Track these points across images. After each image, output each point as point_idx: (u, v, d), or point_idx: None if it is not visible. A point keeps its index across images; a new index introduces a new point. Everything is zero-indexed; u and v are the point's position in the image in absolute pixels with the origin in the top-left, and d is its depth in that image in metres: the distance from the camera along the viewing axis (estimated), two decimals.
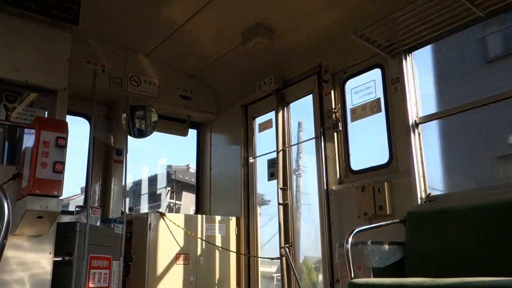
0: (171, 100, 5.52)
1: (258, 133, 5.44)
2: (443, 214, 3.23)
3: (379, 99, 4.04)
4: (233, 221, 5.20)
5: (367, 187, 3.84)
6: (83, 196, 5.47)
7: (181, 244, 4.74)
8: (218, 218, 5.14)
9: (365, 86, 4.18)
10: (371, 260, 3.13)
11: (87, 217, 3.68)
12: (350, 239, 3.09)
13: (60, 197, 3.15)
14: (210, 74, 5.68)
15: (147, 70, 5.34)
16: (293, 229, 4.64)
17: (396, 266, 3.24)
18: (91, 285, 3.56)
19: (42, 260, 3.30)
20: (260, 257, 5.03)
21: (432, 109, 3.39)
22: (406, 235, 3.38)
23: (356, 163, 4.21)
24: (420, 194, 3.56)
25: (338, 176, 4.23)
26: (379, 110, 4.03)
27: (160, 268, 4.52)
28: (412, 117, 3.71)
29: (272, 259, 4.68)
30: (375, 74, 4.11)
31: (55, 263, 3.36)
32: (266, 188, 5.35)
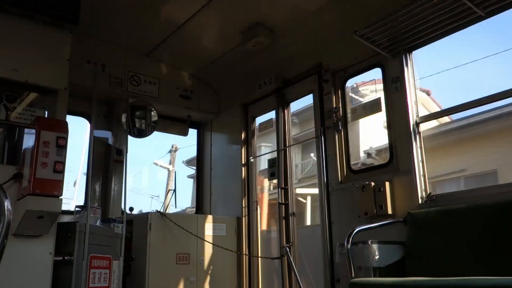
0: (171, 99, 5.52)
1: (258, 133, 5.44)
2: (443, 213, 3.23)
3: (379, 98, 4.03)
4: (233, 220, 5.20)
5: (367, 186, 3.83)
6: None
7: (182, 244, 4.74)
8: (218, 218, 5.14)
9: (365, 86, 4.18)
10: (371, 259, 3.13)
11: (87, 217, 3.68)
12: (350, 239, 3.09)
13: (60, 197, 3.15)
14: (210, 74, 5.68)
15: (147, 69, 5.34)
16: (294, 229, 4.64)
17: (397, 266, 3.23)
18: (91, 284, 3.55)
19: (43, 260, 3.30)
20: (261, 257, 5.03)
21: None
22: (406, 235, 3.38)
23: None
24: (421, 193, 3.55)
25: (338, 175, 4.23)
26: (380, 110, 4.03)
27: (160, 268, 4.51)
28: (412, 117, 3.71)
29: (272, 258, 4.67)
30: (376, 74, 4.11)
31: (55, 263, 3.37)
32: None
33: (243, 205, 5.23)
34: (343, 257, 3.19)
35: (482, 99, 3.41)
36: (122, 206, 5.02)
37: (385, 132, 3.88)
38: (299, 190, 9.33)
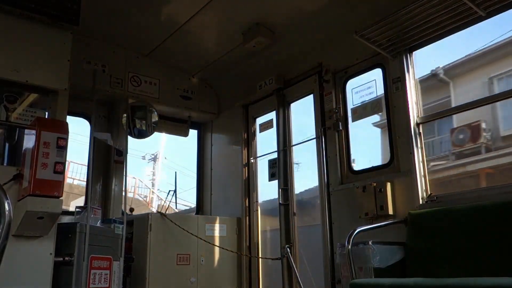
0: (172, 100, 5.52)
1: (258, 133, 5.43)
2: (444, 214, 3.22)
3: (380, 99, 4.03)
4: (234, 221, 5.19)
5: (368, 187, 3.83)
6: None
7: (182, 244, 4.74)
8: (219, 218, 5.14)
9: (366, 86, 4.17)
10: (372, 260, 3.12)
11: (88, 217, 3.68)
12: (351, 239, 3.09)
13: (60, 198, 3.15)
14: (211, 74, 5.67)
15: (148, 70, 5.34)
16: (294, 229, 4.63)
17: (397, 266, 3.23)
18: (91, 285, 3.55)
19: (43, 261, 3.30)
20: (261, 258, 5.02)
21: None
22: (407, 235, 3.37)
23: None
24: (421, 194, 3.55)
25: (339, 176, 4.22)
26: (380, 110, 4.02)
27: (161, 269, 4.51)
28: (413, 117, 3.70)
29: (273, 259, 4.67)
30: (376, 74, 4.09)
31: (55, 264, 3.36)
32: None
33: (244, 206, 5.23)
34: (343, 257, 3.18)
35: (482, 99, 3.41)
36: (123, 207, 5.02)
37: None
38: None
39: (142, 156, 19.75)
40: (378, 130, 5.55)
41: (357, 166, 4.15)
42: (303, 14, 4.31)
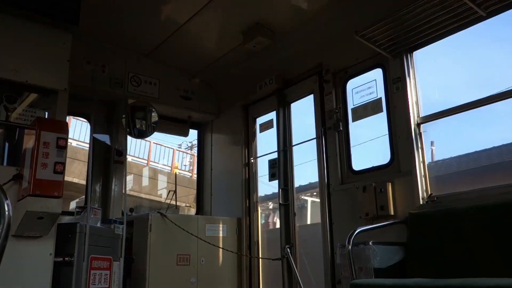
0: (172, 100, 5.51)
1: (259, 133, 5.42)
2: (444, 214, 3.22)
3: (380, 99, 4.02)
4: (234, 221, 5.19)
5: (368, 187, 3.82)
6: None
7: (182, 245, 4.73)
8: (219, 218, 5.13)
9: (366, 86, 4.16)
10: (372, 260, 3.11)
11: (88, 218, 3.67)
12: (352, 240, 3.08)
13: (60, 198, 3.14)
14: (211, 74, 5.67)
15: (148, 70, 5.33)
16: (294, 230, 4.63)
17: (398, 267, 3.23)
18: (91, 286, 3.55)
19: (43, 261, 3.30)
20: (261, 258, 5.02)
21: None
22: (407, 236, 3.37)
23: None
24: (422, 194, 3.54)
25: (339, 176, 4.22)
26: (381, 110, 4.02)
27: (161, 269, 4.51)
28: (413, 117, 3.70)
29: (273, 259, 4.66)
30: (376, 74, 4.09)
31: (55, 264, 3.36)
32: None
33: (244, 206, 5.22)
34: (344, 258, 3.18)
35: (483, 99, 3.40)
36: (122, 207, 5.01)
37: None
38: None
39: (178, 145, 18.98)
40: None
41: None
42: (303, 14, 4.31)
